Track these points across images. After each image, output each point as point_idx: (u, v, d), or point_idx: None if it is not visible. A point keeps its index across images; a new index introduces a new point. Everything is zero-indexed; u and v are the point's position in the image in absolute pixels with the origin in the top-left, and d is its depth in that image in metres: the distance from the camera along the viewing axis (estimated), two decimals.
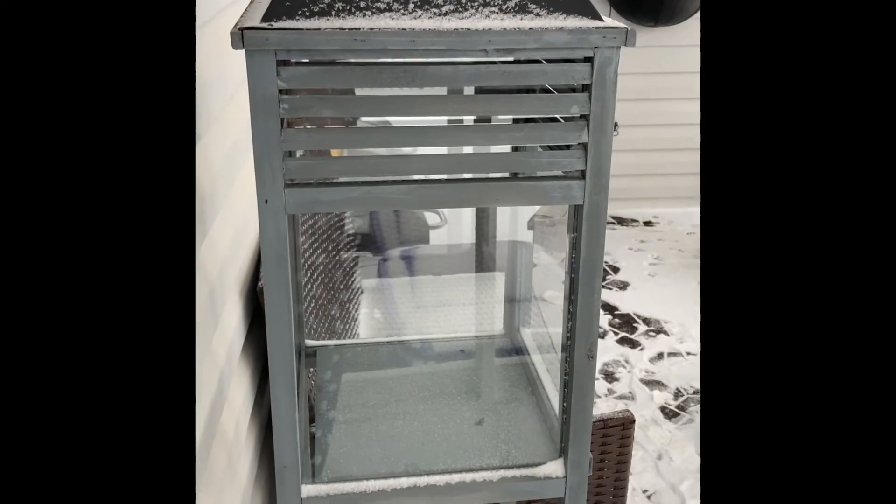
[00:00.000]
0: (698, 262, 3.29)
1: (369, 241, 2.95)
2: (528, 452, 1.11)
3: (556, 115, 0.93)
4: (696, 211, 4.37)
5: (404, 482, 1.03)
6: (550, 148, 0.94)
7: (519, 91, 0.98)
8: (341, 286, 2.28)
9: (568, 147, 0.93)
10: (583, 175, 0.93)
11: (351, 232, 2.52)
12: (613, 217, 4.39)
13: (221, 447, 1.30)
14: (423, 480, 1.03)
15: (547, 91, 0.97)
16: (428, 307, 2.38)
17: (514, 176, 0.96)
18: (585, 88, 0.90)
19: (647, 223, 4.33)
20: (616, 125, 4.28)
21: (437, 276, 2.66)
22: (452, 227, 3.24)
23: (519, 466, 1.06)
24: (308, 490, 1.01)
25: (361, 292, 2.47)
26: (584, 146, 0.92)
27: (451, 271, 2.70)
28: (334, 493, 1.01)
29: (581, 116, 0.91)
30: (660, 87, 4.19)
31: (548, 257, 2.83)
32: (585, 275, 0.97)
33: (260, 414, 1.60)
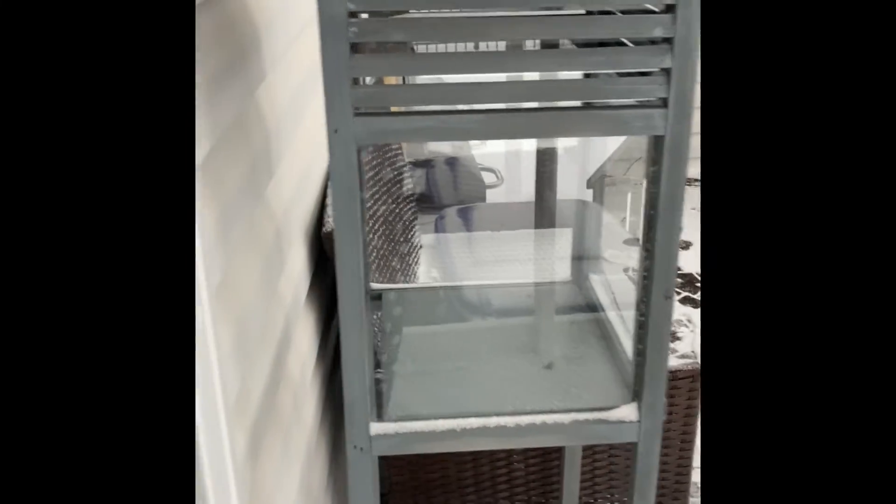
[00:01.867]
0: None
1: (426, 200, 2.93)
2: (600, 396, 1.08)
3: (638, 38, 0.88)
4: None
5: (473, 422, 1.01)
6: (629, 74, 0.89)
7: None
8: (401, 239, 2.27)
9: (649, 73, 0.88)
10: (665, 103, 0.88)
11: (409, 186, 2.50)
12: None
13: (288, 390, 1.30)
14: (493, 421, 1.01)
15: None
16: (488, 262, 2.35)
17: (588, 105, 0.91)
18: (670, 9, 0.85)
19: None
20: None
21: (495, 232, 2.63)
22: (510, 185, 3.20)
23: (591, 410, 1.03)
24: (376, 428, 1.00)
25: (421, 247, 2.46)
26: (668, 72, 0.87)
27: (509, 228, 2.67)
28: (403, 432, 1.00)
29: (664, 39, 0.86)
30: None
31: (607, 217, 2.76)
32: (666, 210, 0.92)
33: (324, 361, 1.61)
